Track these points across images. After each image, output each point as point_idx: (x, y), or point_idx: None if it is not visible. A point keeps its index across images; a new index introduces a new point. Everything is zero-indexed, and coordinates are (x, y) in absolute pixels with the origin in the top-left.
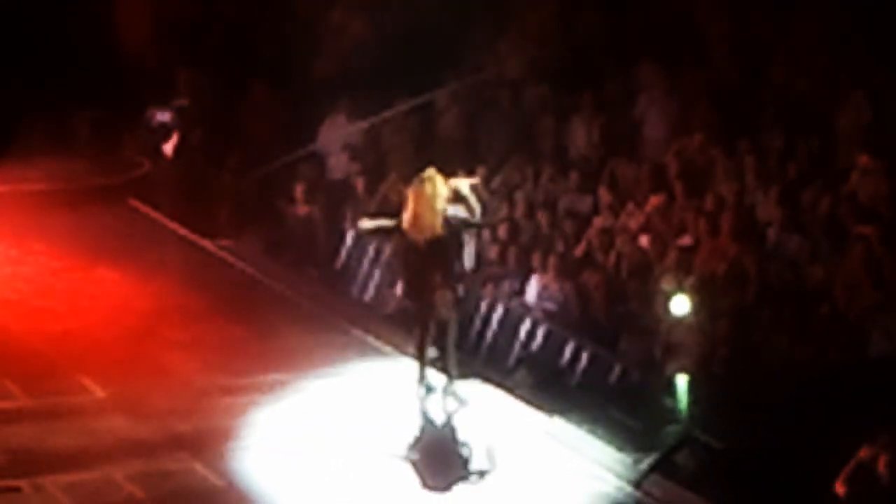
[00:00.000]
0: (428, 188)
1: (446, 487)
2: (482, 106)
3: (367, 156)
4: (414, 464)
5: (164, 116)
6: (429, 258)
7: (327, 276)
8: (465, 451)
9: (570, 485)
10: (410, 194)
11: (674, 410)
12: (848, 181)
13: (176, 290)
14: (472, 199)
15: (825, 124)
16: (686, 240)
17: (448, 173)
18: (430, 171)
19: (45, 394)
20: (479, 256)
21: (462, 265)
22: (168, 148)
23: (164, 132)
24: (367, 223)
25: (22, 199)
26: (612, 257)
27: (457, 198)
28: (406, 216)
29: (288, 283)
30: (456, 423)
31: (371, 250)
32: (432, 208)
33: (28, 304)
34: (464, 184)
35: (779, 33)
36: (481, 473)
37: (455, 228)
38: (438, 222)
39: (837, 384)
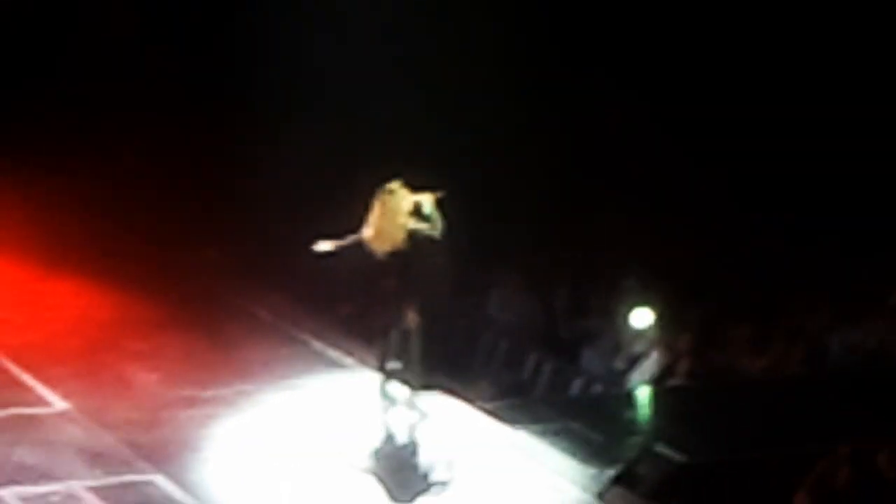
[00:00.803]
0: (392, 201)
1: (410, 500)
2: (447, 114)
3: (332, 164)
4: (377, 476)
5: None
6: (390, 271)
7: (289, 288)
8: (426, 463)
9: (533, 497)
10: (375, 206)
11: (635, 423)
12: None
13: (136, 301)
14: (435, 215)
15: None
16: (649, 250)
17: (412, 185)
18: (395, 184)
19: (5, 405)
20: (442, 269)
21: (424, 278)
22: (130, 157)
23: (127, 140)
24: (324, 245)
25: None
26: (576, 269)
27: (418, 213)
28: (369, 228)
29: (249, 295)
30: (418, 435)
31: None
32: (396, 221)
33: None
34: (427, 199)
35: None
36: (443, 484)
37: (418, 242)
38: (401, 235)
39: (798, 397)
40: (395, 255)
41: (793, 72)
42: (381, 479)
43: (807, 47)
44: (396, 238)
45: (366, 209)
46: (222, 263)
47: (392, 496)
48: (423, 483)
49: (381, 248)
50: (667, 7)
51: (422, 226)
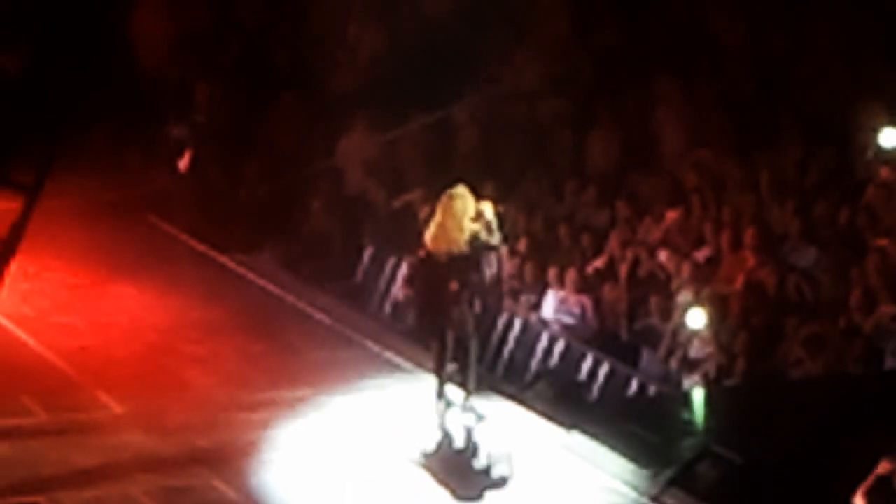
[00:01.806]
0: (458, 204)
1: (472, 498)
2: (499, 119)
3: (384, 170)
4: (436, 477)
5: (180, 131)
6: (448, 273)
7: (345, 292)
8: (485, 462)
9: (589, 499)
10: (439, 208)
11: (691, 424)
12: (865, 193)
13: (194, 305)
14: (494, 224)
15: (842, 135)
16: (704, 252)
17: (469, 188)
18: (461, 188)
19: (63, 409)
20: (498, 272)
21: (481, 281)
22: (182, 163)
23: (180, 147)
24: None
25: (38, 214)
26: (631, 271)
27: (480, 219)
28: (431, 230)
29: (306, 298)
30: (475, 437)
31: (389, 265)
32: (459, 224)
33: (46, 321)
34: (489, 207)
35: (794, 45)
36: (503, 480)
37: (477, 247)
38: (463, 238)
39: (855, 397)
40: (453, 257)
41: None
42: (440, 480)
43: None
44: (457, 241)
45: (427, 217)
46: (279, 267)
47: (454, 495)
48: (484, 481)
49: (440, 249)
50: None
51: (482, 231)
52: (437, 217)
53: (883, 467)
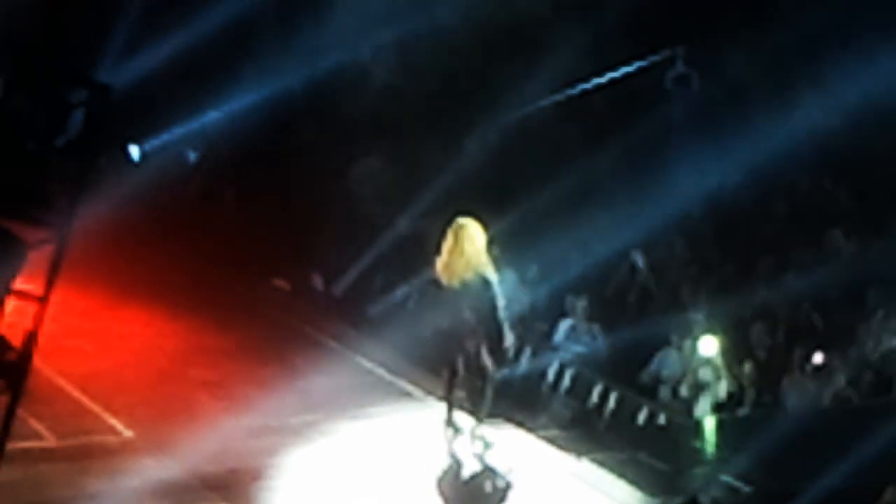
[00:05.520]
0: (463, 235)
1: None
2: (512, 146)
3: (396, 197)
4: (446, 502)
5: (192, 157)
6: (462, 301)
7: (356, 319)
8: (492, 488)
9: None
10: (450, 237)
11: (701, 452)
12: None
13: (204, 330)
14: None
15: (856, 165)
16: (711, 280)
17: (478, 214)
18: (463, 220)
19: (73, 434)
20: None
21: (492, 311)
22: (190, 189)
23: (190, 173)
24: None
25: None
26: (641, 298)
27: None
28: (442, 259)
29: (316, 324)
30: (483, 463)
31: (400, 293)
32: (465, 255)
33: (56, 344)
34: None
35: (806, 72)
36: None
37: (485, 277)
38: (476, 267)
39: (864, 426)
40: (463, 287)
41: None
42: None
43: None
44: (465, 271)
45: (437, 245)
46: (289, 293)
47: None
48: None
49: (452, 278)
50: None
51: (492, 262)
52: (449, 246)
53: (889, 495)
